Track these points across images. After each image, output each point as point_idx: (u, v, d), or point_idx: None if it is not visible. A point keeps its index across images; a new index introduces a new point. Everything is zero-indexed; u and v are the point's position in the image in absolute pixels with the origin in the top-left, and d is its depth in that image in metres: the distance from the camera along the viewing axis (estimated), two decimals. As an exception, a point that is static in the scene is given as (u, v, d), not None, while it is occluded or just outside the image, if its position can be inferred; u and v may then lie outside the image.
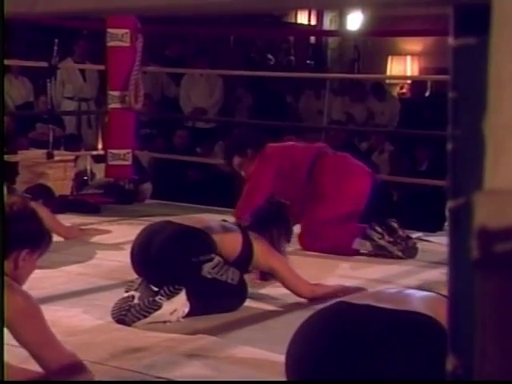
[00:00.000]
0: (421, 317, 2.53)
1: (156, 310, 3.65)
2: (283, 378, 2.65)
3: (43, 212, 5.47)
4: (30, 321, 2.72)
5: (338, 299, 2.85)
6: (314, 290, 4.18)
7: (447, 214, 3.28)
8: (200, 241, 3.95)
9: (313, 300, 4.10)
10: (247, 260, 4.08)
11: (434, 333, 2.37)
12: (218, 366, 3.23)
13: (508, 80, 0.75)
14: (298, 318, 3.79)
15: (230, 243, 4.05)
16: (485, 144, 0.75)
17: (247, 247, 4.08)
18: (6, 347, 2.42)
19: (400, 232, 5.44)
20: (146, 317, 3.63)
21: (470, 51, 0.81)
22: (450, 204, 0.81)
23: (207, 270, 3.87)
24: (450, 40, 0.82)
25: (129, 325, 3.62)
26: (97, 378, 2.95)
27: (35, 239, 2.89)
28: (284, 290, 4.12)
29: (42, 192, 5.86)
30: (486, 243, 0.73)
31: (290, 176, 5.45)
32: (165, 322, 3.68)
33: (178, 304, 3.73)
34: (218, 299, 3.87)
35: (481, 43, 0.78)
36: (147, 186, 7.54)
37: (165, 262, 3.87)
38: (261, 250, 4.13)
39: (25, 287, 2.81)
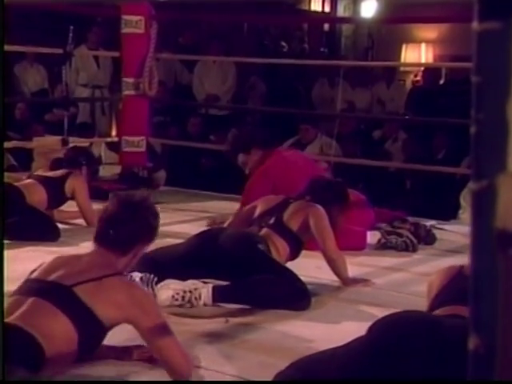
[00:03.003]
0: None
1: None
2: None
3: (80, 190, 5.49)
4: (152, 315, 2.80)
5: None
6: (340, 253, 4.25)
7: (461, 201, 3.31)
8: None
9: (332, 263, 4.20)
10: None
11: None
12: (231, 351, 3.24)
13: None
14: (309, 308, 3.83)
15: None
16: (508, 127, 0.76)
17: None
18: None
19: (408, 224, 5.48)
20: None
21: (494, 35, 0.81)
22: (472, 186, 0.81)
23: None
24: (474, 24, 0.83)
25: None
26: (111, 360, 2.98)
27: (153, 234, 2.99)
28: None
29: (83, 158, 5.83)
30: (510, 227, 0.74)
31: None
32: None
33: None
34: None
35: (505, 27, 0.78)
36: (161, 174, 7.55)
37: (234, 248, 3.95)
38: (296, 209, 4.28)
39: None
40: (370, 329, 2.53)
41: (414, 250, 5.20)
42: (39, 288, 2.72)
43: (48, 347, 2.57)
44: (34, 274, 2.83)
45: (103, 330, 2.75)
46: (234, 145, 5.92)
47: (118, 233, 2.87)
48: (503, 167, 0.75)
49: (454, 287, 2.71)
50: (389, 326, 2.53)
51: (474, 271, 0.83)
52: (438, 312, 2.67)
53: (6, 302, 2.71)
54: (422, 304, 3.09)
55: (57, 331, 2.61)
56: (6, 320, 2.55)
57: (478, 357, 0.83)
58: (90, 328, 2.69)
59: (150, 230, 2.96)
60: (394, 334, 2.47)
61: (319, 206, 4.24)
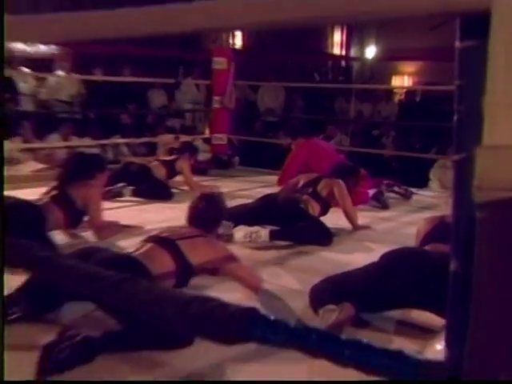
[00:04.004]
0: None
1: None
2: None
3: (186, 168, 5.50)
4: (226, 255, 2.76)
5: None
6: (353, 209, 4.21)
7: (431, 175, 3.22)
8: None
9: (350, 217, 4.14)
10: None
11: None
12: (281, 271, 3.19)
13: (501, 69, 0.68)
14: (332, 244, 3.77)
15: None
16: (483, 115, 0.69)
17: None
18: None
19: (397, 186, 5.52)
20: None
21: (471, 51, 0.74)
22: (454, 158, 0.75)
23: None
24: (456, 43, 0.75)
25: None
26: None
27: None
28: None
29: (188, 148, 5.82)
30: (485, 188, 0.67)
31: (312, 168, 5.15)
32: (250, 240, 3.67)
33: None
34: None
35: (480, 45, 0.71)
36: (236, 159, 7.53)
37: (285, 205, 3.95)
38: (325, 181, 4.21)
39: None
40: (381, 257, 2.46)
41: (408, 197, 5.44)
42: (156, 239, 2.70)
43: (155, 273, 2.54)
44: (154, 233, 2.82)
45: (192, 268, 2.68)
46: (290, 130, 5.92)
47: (204, 219, 2.84)
48: (478, 142, 0.68)
49: (437, 231, 2.63)
50: (393, 255, 2.45)
51: (455, 218, 0.75)
52: (426, 247, 2.59)
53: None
54: (406, 242, 3.00)
55: (163, 264, 2.58)
56: (133, 254, 2.57)
57: (456, 275, 0.76)
58: (183, 265, 2.65)
59: (223, 217, 3.00)
60: (397, 261, 2.40)
61: (340, 181, 4.18)
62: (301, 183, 4.35)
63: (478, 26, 0.71)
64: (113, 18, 0.97)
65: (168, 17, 0.88)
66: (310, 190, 4.20)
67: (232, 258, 2.75)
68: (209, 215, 2.84)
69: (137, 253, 2.58)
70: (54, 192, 3.47)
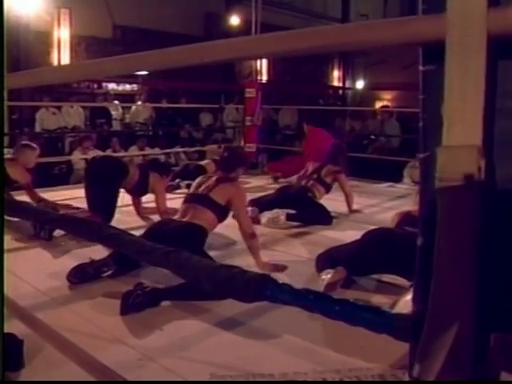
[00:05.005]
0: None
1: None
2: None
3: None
4: (242, 199, 2.62)
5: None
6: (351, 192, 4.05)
7: (404, 173, 3.10)
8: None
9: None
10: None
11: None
12: (294, 243, 3.11)
13: (455, 87, 0.62)
14: (332, 224, 3.67)
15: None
16: (441, 121, 0.63)
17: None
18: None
19: None
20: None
21: (431, 73, 0.68)
22: (420, 156, 0.69)
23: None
24: (420, 66, 0.69)
25: None
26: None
27: (247, 166, 3.02)
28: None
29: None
30: (444, 179, 0.61)
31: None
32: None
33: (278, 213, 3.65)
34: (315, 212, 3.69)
35: (438, 68, 0.65)
36: (264, 160, 7.46)
37: (296, 194, 3.81)
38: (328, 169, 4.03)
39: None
40: (363, 235, 2.39)
41: None
42: (194, 198, 2.59)
43: (207, 227, 2.49)
44: (192, 190, 2.70)
45: (226, 208, 2.59)
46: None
47: (228, 162, 2.73)
48: (439, 143, 0.62)
49: (404, 219, 2.58)
50: (371, 233, 2.38)
51: (421, 205, 0.69)
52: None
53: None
54: (387, 222, 2.92)
55: (206, 217, 2.52)
56: (183, 219, 2.50)
57: (422, 248, 0.70)
58: (219, 210, 2.57)
59: (245, 162, 2.82)
60: (375, 238, 2.33)
61: (343, 174, 4.02)
62: (309, 171, 4.19)
63: (435, 53, 0.65)
64: (164, 55, 0.92)
65: (202, 51, 0.84)
66: (316, 176, 4.07)
67: (242, 202, 2.61)
68: (230, 160, 2.76)
69: (187, 218, 2.53)
70: (142, 162, 3.65)
